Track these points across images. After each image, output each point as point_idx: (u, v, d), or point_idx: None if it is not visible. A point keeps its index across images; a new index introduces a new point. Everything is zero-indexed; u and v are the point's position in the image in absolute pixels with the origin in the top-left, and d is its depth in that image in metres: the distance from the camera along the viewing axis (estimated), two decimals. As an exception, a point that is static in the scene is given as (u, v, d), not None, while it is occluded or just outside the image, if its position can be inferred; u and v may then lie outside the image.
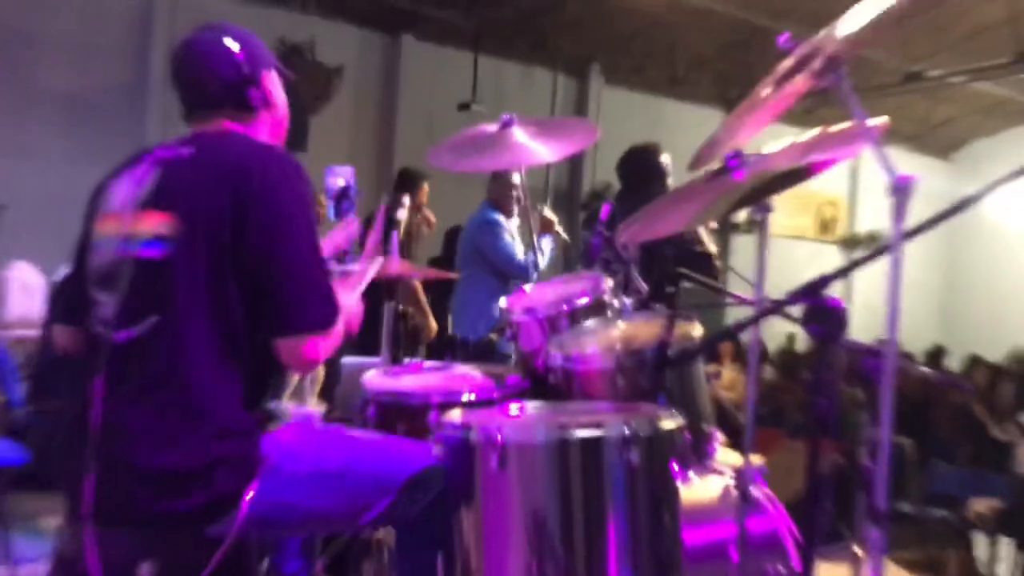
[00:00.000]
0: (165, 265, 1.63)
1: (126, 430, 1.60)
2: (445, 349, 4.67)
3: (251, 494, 1.60)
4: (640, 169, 3.86)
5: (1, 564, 3.36)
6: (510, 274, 4.27)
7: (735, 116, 1.82)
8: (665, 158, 3.85)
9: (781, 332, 9.63)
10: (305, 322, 1.67)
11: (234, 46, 1.81)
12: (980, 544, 4.57)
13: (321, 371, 6.86)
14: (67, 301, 1.82)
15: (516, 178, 4.08)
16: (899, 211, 1.46)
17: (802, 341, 9.41)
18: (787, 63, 1.63)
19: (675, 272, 2.27)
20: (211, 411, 1.61)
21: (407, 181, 4.97)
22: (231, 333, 1.64)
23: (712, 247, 3.55)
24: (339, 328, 1.75)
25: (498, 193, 4.48)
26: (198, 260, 1.63)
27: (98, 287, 1.69)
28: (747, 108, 1.78)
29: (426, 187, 5.03)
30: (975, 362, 7.97)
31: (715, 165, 1.97)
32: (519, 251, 4.32)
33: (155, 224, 1.65)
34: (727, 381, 6.15)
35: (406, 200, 4.82)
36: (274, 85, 1.89)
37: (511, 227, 4.45)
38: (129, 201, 1.70)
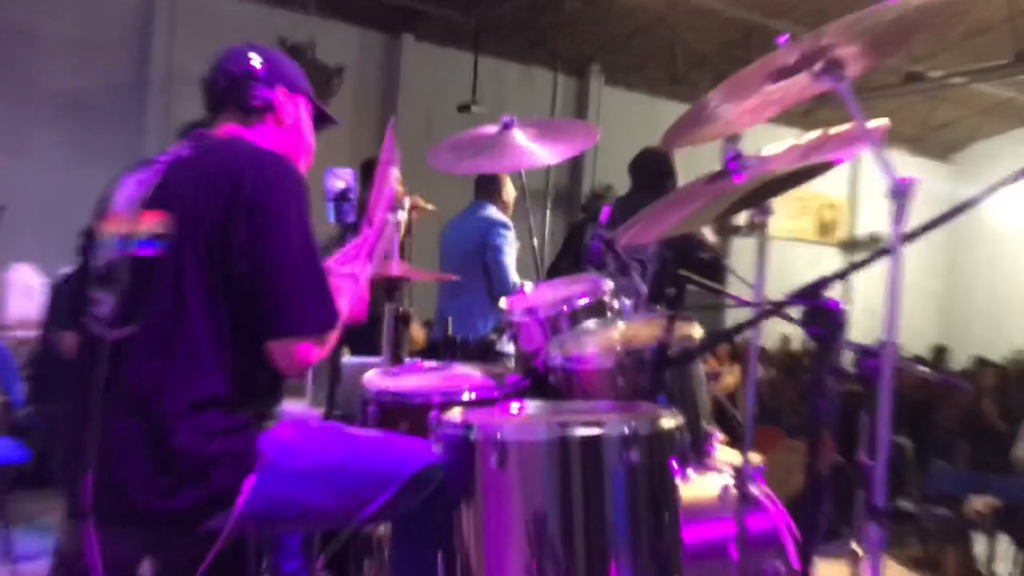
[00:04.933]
0: (160, 264, 1.64)
1: (121, 429, 1.60)
2: (445, 349, 4.63)
3: (247, 490, 1.61)
4: (652, 171, 3.84)
5: (2, 562, 3.37)
6: (502, 292, 3.90)
7: (719, 94, 1.77)
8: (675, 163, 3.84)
9: (776, 332, 9.62)
10: (301, 325, 1.67)
11: (256, 57, 1.88)
12: (979, 542, 4.59)
13: (310, 371, 6.84)
14: (69, 303, 1.83)
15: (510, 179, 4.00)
16: (899, 213, 1.46)
17: (798, 341, 9.44)
18: (786, 59, 1.62)
19: (676, 274, 2.27)
20: (204, 409, 1.61)
21: (370, 171, 4.83)
22: (219, 334, 1.64)
23: (718, 250, 3.51)
24: (334, 332, 1.75)
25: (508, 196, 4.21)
26: (190, 260, 1.64)
27: (97, 287, 1.71)
28: (734, 88, 1.74)
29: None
30: (982, 364, 7.97)
31: (691, 150, 1.92)
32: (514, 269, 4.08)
33: (153, 223, 1.67)
34: (727, 385, 6.13)
35: (406, 200, 4.80)
36: (291, 103, 1.92)
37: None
38: (131, 202, 1.72)
